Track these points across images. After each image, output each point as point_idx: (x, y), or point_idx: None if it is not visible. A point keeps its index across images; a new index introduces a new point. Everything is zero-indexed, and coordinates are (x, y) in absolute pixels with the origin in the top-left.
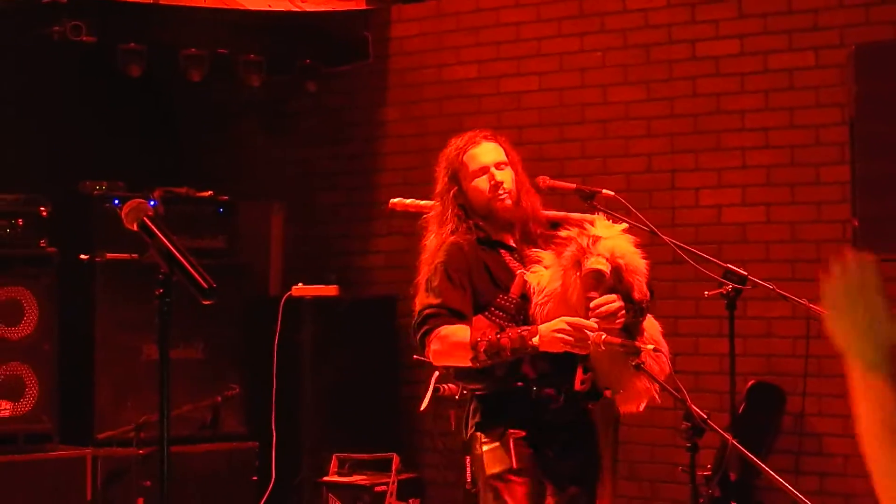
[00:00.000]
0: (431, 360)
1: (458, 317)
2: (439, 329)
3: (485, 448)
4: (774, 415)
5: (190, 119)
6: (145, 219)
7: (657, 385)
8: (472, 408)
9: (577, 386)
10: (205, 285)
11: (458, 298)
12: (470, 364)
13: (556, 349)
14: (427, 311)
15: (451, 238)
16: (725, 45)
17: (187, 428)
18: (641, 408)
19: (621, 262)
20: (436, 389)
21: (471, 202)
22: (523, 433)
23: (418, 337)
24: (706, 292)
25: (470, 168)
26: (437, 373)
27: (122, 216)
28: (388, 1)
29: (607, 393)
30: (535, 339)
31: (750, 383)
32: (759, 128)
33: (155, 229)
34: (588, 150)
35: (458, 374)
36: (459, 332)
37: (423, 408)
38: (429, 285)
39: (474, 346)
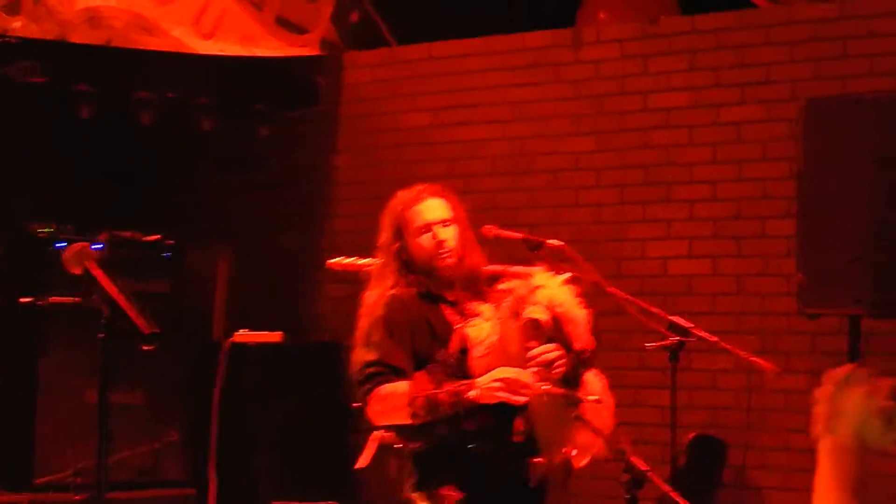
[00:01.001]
0: (372, 420)
1: (398, 373)
2: (379, 389)
3: None
4: (716, 468)
5: (142, 162)
6: (88, 264)
7: (600, 439)
8: (409, 465)
9: (515, 437)
10: (146, 331)
11: (398, 354)
12: (410, 421)
13: (494, 400)
14: (368, 369)
15: (392, 291)
16: (677, 97)
17: (126, 473)
18: (585, 463)
19: (559, 310)
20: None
21: (413, 258)
22: (460, 495)
23: (359, 396)
24: (648, 344)
25: (413, 224)
26: (379, 433)
27: (64, 260)
28: (341, 47)
29: (563, 451)
30: (473, 393)
31: (691, 436)
32: (707, 180)
33: (97, 274)
34: (538, 199)
35: (400, 433)
36: (398, 389)
37: (358, 465)
38: (368, 339)
39: (412, 402)
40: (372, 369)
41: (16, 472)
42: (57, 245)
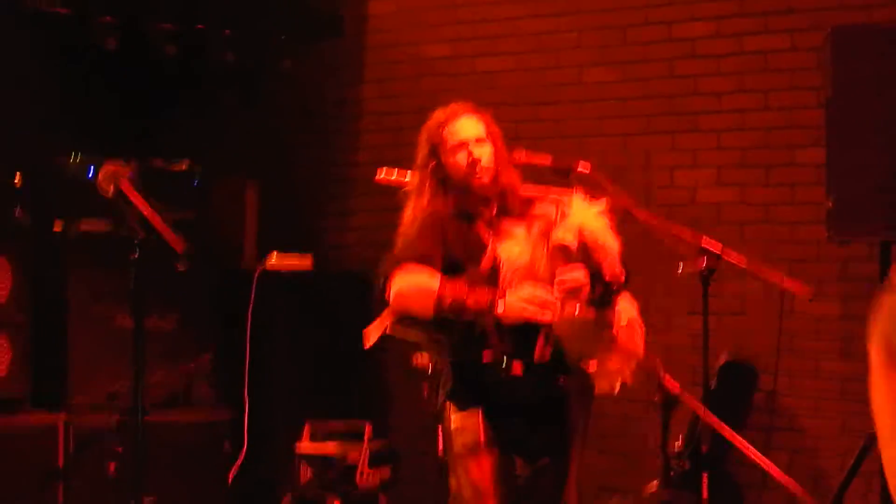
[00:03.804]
0: (392, 300)
1: (428, 262)
2: (407, 265)
3: (454, 421)
4: (746, 392)
5: (166, 94)
6: (121, 184)
7: (630, 363)
8: (443, 378)
9: (536, 356)
10: (180, 250)
11: (431, 250)
12: (429, 312)
13: (519, 317)
14: (396, 254)
15: (429, 209)
16: (701, 26)
17: (159, 396)
18: (616, 388)
19: (589, 237)
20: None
21: (449, 176)
22: (492, 406)
23: (383, 272)
24: (679, 270)
25: (449, 143)
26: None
27: (99, 180)
28: None
29: (587, 367)
30: (500, 307)
31: (723, 360)
32: (734, 109)
33: (131, 194)
34: (562, 129)
35: (413, 322)
36: (427, 275)
37: (368, 344)
38: (403, 254)
39: (441, 297)
40: (401, 254)
41: (50, 395)
42: (87, 173)
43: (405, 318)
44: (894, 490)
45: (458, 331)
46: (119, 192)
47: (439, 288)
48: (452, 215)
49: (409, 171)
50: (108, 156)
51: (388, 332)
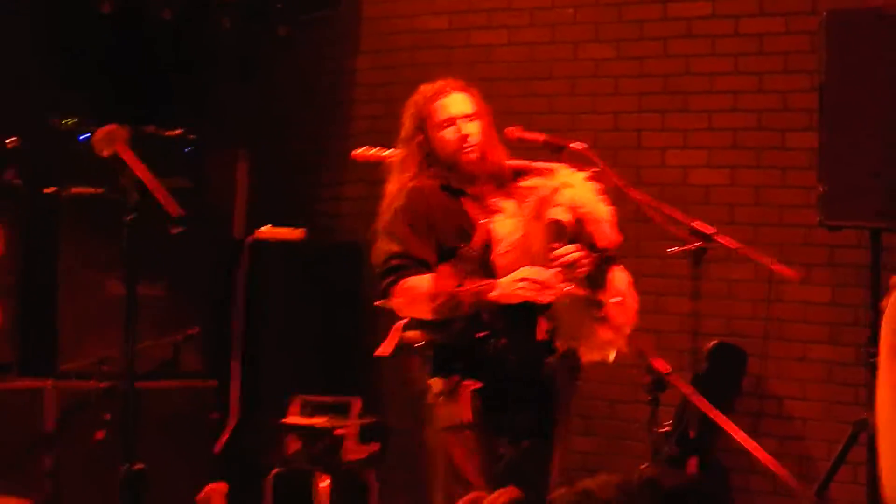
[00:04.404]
0: (395, 311)
1: (422, 265)
2: (403, 281)
3: (439, 398)
4: (736, 375)
5: (161, 60)
6: (118, 146)
7: (621, 337)
8: (427, 355)
9: (540, 336)
10: (174, 213)
11: (422, 246)
12: (431, 317)
13: (516, 300)
14: (392, 260)
15: (412, 183)
16: (697, 7)
17: (148, 364)
18: (610, 358)
19: (582, 211)
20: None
21: (436, 152)
22: (478, 385)
23: (383, 287)
24: (669, 249)
25: (437, 118)
26: (402, 321)
27: (95, 140)
28: None
29: (571, 344)
30: (495, 293)
31: (712, 343)
32: (727, 91)
33: (127, 156)
34: (556, 105)
35: (420, 326)
36: (422, 283)
37: (378, 352)
38: (390, 230)
39: (433, 299)
40: (396, 261)
41: (38, 360)
42: (80, 137)
43: (411, 324)
44: (886, 476)
45: (459, 323)
46: (115, 154)
47: (432, 289)
48: (438, 189)
49: (387, 150)
50: (101, 120)
51: (402, 342)
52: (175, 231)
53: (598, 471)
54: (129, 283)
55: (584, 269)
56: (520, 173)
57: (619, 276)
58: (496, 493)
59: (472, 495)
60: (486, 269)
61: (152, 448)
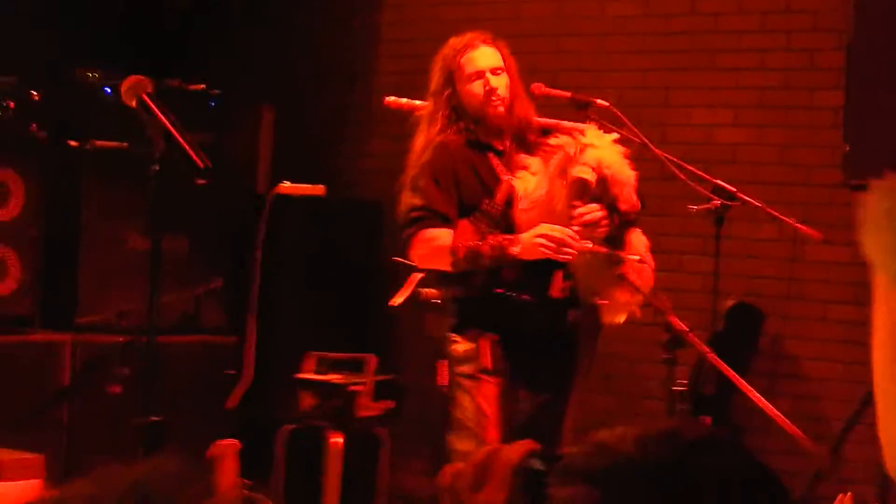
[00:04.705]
0: (415, 262)
1: (443, 219)
2: (423, 232)
3: (459, 348)
4: (753, 335)
5: (183, 15)
6: (144, 95)
7: (639, 298)
8: (448, 310)
9: (555, 293)
10: (200, 164)
11: (444, 200)
12: (450, 269)
13: (537, 256)
14: (413, 213)
15: (439, 138)
16: None
17: (168, 318)
18: (622, 320)
19: (607, 172)
20: (416, 293)
21: (464, 105)
22: (497, 336)
23: (404, 237)
24: (693, 207)
25: (466, 71)
26: (420, 275)
27: (122, 92)
28: None
29: (597, 301)
30: (516, 249)
31: (731, 303)
32: (754, 49)
33: (153, 106)
34: (582, 63)
35: (438, 278)
36: (442, 236)
37: (394, 302)
38: (414, 184)
39: (454, 251)
40: (417, 213)
41: (58, 313)
42: (105, 90)
43: (429, 278)
44: (887, 451)
45: (478, 278)
46: (142, 103)
47: (452, 243)
48: (464, 145)
49: (418, 101)
50: (125, 74)
51: (420, 298)
52: (200, 182)
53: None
54: (154, 235)
55: (604, 229)
56: (547, 132)
57: (638, 239)
58: (513, 445)
59: (489, 447)
60: (508, 224)
61: (170, 402)
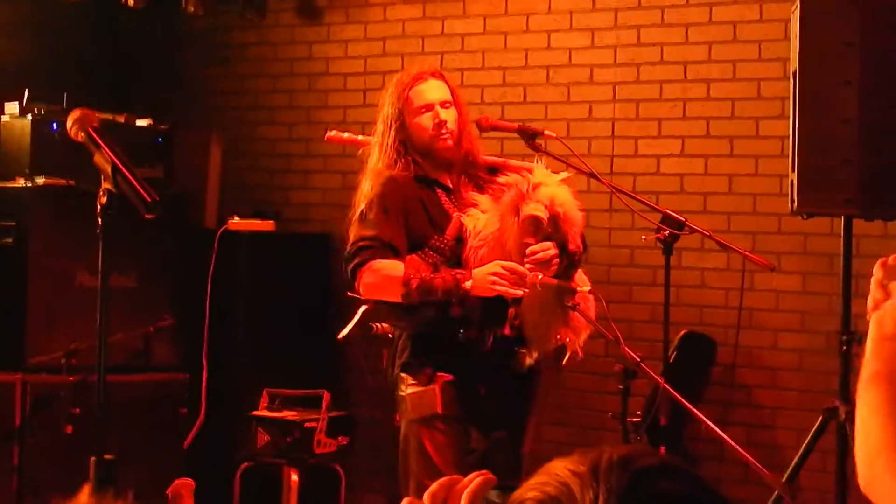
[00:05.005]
0: (362, 292)
1: (393, 251)
2: (372, 262)
3: (410, 391)
4: (705, 365)
5: (131, 46)
6: (90, 129)
7: (582, 337)
8: (399, 346)
9: (507, 330)
10: (148, 199)
11: (394, 232)
12: (400, 300)
13: (489, 293)
14: (361, 243)
15: (387, 172)
16: None
17: (118, 356)
18: (565, 360)
19: (560, 210)
20: (368, 328)
21: (412, 138)
22: (450, 377)
23: (350, 268)
24: (643, 236)
25: (415, 104)
26: (364, 306)
27: (68, 126)
28: None
29: (560, 338)
30: (469, 283)
31: (682, 333)
32: (700, 79)
33: (99, 140)
34: (530, 95)
35: (389, 310)
36: (393, 266)
37: (342, 335)
38: (363, 217)
39: (406, 282)
40: (366, 243)
41: (7, 353)
42: (52, 126)
43: (377, 310)
44: (862, 470)
45: (430, 311)
46: (88, 137)
47: (404, 274)
48: (413, 180)
49: (360, 135)
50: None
51: (363, 326)
52: (149, 216)
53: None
54: (104, 272)
55: (555, 268)
56: (495, 170)
57: (582, 279)
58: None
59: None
60: (458, 262)
61: (122, 441)
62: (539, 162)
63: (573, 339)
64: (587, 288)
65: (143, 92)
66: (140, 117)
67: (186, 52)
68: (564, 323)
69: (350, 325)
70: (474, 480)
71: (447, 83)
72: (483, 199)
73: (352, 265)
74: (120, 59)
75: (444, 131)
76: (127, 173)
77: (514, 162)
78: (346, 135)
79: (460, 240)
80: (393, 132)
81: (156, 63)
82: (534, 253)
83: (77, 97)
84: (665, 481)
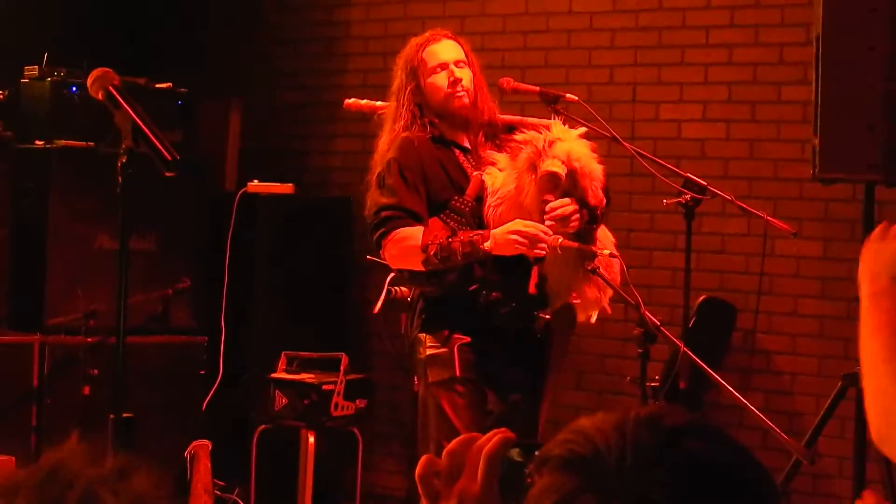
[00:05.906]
0: (388, 262)
1: (414, 218)
2: (395, 232)
3: (429, 353)
4: (725, 330)
5: (151, 11)
6: (111, 87)
7: (608, 295)
8: (418, 308)
9: (532, 289)
10: (168, 157)
11: (413, 199)
12: (422, 267)
13: (510, 252)
14: (384, 212)
15: (404, 134)
16: None
17: (137, 319)
18: (592, 319)
19: (577, 165)
20: (388, 292)
21: (427, 99)
22: (468, 339)
23: (375, 238)
24: (664, 200)
25: (429, 64)
26: (391, 275)
27: (88, 85)
28: None
29: (569, 298)
30: (488, 244)
31: (702, 298)
32: (722, 44)
33: (120, 98)
34: (551, 59)
35: (411, 278)
36: (414, 235)
37: (376, 309)
38: (382, 183)
39: (425, 249)
40: (387, 213)
41: (26, 315)
42: (70, 88)
43: (401, 277)
44: (874, 422)
45: (452, 275)
46: (108, 96)
47: (422, 240)
48: (430, 141)
49: (379, 102)
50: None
51: (391, 296)
52: (169, 174)
53: None
54: (123, 232)
55: (575, 223)
56: (512, 128)
57: (605, 236)
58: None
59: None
60: (479, 221)
61: (140, 403)
62: (557, 119)
63: (595, 300)
64: (608, 252)
65: (164, 56)
66: (161, 81)
67: (207, 15)
68: (585, 284)
69: (382, 298)
70: (493, 439)
71: (462, 44)
72: (501, 158)
73: (376, 236)
74: (141, 25)
75: (459, 89)
76: (147, 131)
77: (531, 119)
78: (364, 101)
79: (481, 199)
80: (408, 94)
81: (175, 27)
82: (553, 209)
83: (97, 61)
84: (692, 440)
